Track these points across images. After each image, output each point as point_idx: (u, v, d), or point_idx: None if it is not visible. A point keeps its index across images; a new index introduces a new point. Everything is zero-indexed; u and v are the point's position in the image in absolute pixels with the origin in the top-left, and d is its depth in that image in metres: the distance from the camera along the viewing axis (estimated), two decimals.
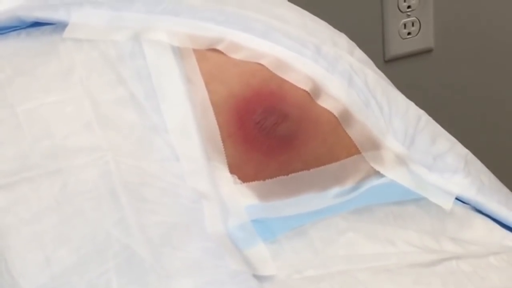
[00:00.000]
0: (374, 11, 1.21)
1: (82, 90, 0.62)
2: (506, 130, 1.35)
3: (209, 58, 0.65)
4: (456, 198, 0.67)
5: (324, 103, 0.65)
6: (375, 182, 0.65)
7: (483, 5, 1.25)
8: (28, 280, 0.54)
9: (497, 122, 1.34)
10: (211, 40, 0.66)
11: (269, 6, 0.71)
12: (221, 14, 0.67)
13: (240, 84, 0.64)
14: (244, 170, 0.62)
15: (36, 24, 0.66)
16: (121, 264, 0.55)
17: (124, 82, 0.63)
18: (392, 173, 0.66)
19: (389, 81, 0.72)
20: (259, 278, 0.57)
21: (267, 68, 0.65)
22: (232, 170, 0.62)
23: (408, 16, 1.22)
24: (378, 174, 0.66)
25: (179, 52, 0.65)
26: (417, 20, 1.23)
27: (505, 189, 0.70)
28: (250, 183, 0.62)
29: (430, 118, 0.70)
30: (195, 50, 0.65)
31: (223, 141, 0.62)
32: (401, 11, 1.21)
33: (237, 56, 0.65)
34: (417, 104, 0.71)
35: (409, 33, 1.23)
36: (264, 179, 0.63)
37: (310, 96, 0.65)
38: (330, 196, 0.64)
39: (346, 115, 0.66)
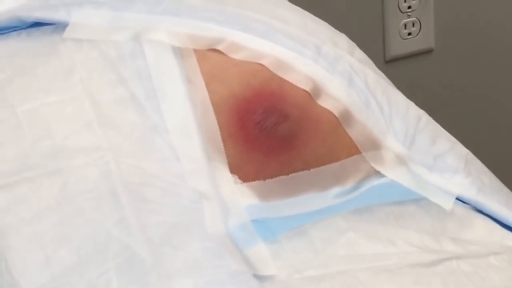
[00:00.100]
0: (374, 11, 1.21)
1: (83, 90, 0.62)
2: (506, 130, 1.35)
3: (209, 58, 0.65)
4: (457, 198, 0.67)
5: (324, 103, 0.66)
6: (375, 182, 0.65)
7: (483, 5, 1.25)
8: (28, 280, 0.54)
9: (497, 122, 1.34)
10: (212, 40, 0.66)
11: (269, 6, 0.71)
12: (221, 14, 0.67)
13: (240, 84, 0.64)
14: (244, 170, 0.62)
15: (37, 24, 0.66)
16: (122, 264, 0.55)
17: (124, 82, 0.63)
18: (393, 173, 0.66)
19: (389, 81, 0.72)
20: (259, 278, 0.57)
21: (267, 68, 0.65)
22: (233, 170, 0.62)
23: (409, 16, 1.22)
24: (378, 174, 0.66)
25: (179, 52, 0.65)
26: (418, 21, 1.23)
27: (506, 189, 0.70)
28: (251, 183, 0.62)
29: (430, 118, 0.70)
30: (195, 50, 0.65)
31: (224, 141, 0.62)
32: (401, 11, 1.21)
33: (238, 56, 0.65)
34: (417, 104, 0.71)
35: (409, 34, 1.23)
36: (264, 179, 0.63)
37: (311, 96, 0.65)
38: (331, 196, 0.64)
39: (347, 115, 0.66)
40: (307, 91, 0.65)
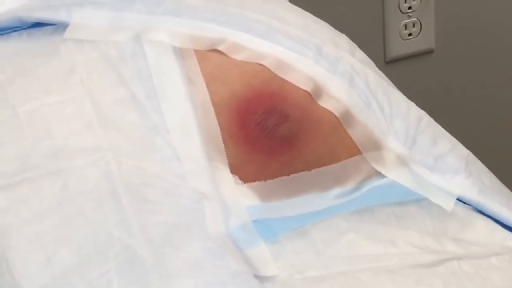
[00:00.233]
0: (375, 12, 1.21)
1: (83, 91, 0.62)
2: (507, 131, 1.35)
3: (210, 58, 0.65)
4: (458, 199, 0.67)
5: (325, 103, 0.66)
6: (376, 182, 0.65)
7: (484, 6, 1.26)
8: (29, 281, 0.54)
9: (498, 122, 1.34)
10: (212, 40, 0.66)
11: (270, 7, 0.71)
12: (222, 14, 0.67)
13: (241, 85, 0.64)
14: (245, 170, 0.62)
15: (37, 24, 0.66)
16: (122, 264, 0.55)
17: (125, 82, 0.63)
18: (393, 174, 0.66)
19: (390, 81, 0.72)
20: (260, 278, 0.57)
21: (268, 69, 0.65)
22: (233, 171, 0.62)
23: (409, 17, 1.22)
24: (379, 174, 0.66)
25: (180, 53, 0.65)
26: (418, 21, 1.23)
27: (506, 190, 0.70)
28: (251, 183, 0.62)
29: (431, 119, 0.70)
30: (196, 51, 0.65)
31: (224, 142, 0.62)
32: (402, 12, 1.21)
33: (238, 56, 0.65)
34: (417, 104, 0.71)
35: (410, 34, 1.23)
36: (265, 180, 0.63)
37: (311, 97, 0.65)
38: (331, 197, 0.64)
39: (347, 116, 0.66)
40: (308, 92, 0.65)
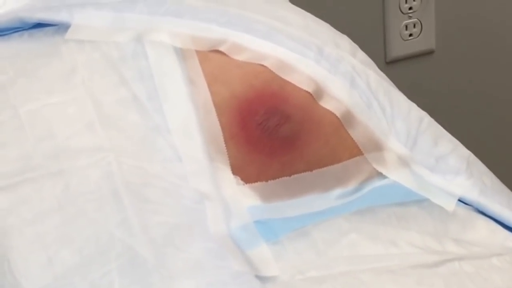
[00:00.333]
0: (375, 12, 1.21)
1: (84, 91, 0.62)
2: (508, 131, 1.35)
3: (211, 59, 0.65)
4: (459, 200, 0.67)
5: (326, 104, 0.66)
6: (377, 183, 0.65)
7: (484, 6, 1.26)
8: (30, 281, 0.54)
9: (498, 123, 1.34)
10: (214, 41, 0.66)
11: (271, 8, 0.71)
12: (223, 15, 0.68)
13: (242, 85, 0.64)
14: (246, 171, 0.63)
15: (39, 25, 0.66)
16: (124, 264, 0.55)
17: (126, 83, 0.63)
18: (395, 174, 0.66)
19: (391, 82, 0.72)
20: (261, 279, 0.57)
21: (269, 70, 0.65)
22: (235, 171, 0.62)
23: (410, 17, 1.22)
24: (380, 175, 0.66)
25: (181, 53, 0.65)
26: (419, 22, 1.23)
27: (507, 191, 0.70)
28: (253, 184, 0.62)
29: (432, 120, 0.70)
30: (197, 51, 0.65)
31: (226, 142, 0.62)
32: (402, 12, 1.21)
33: (240, 57, 0.65)
34: (418, 105, 0.71)
35: (410, 35, 1.23)
36: (266, 180, 0.63)
37: (313, 97, 0.65)
38: (333, 197, 0.64)
39: (349, 116, 0.66)
40: (309, 92, 0.65)
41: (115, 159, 0.59)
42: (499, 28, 1.28)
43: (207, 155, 0.61)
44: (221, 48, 0.66)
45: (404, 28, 1.23)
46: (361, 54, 0.72)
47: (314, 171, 0.64)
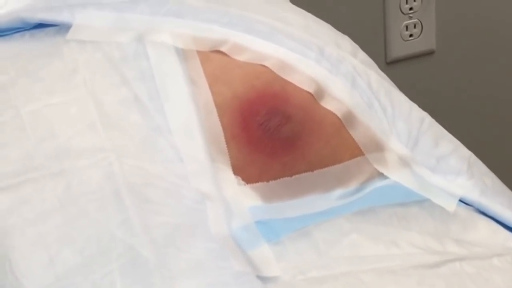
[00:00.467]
0: (376, 12, 1.21)
1: (86, 91, 0.62)
2: (508, 132, 1.35)
3: (212, 59, 0.65)
4: (460, 200, 0.67)
5: (327, 104, 0.66)
6: (378, 183, 0.65)
7: (485, 6, 1.26)
8: (32, 281, 0.54)
9: (499, 123, 1.34)
10: (215, 41, 0.66)
11: (272, 8, 0.71)
12: (224, 16, 0.68)
13: (243, 86, 0.64)
14: (247, 171, 0.63)
15: (40, 25, 0.66)
16: (125, 265, 0.55)
17: (127, 83, 0.63)
18: (396, 175, 0.66)
19: (392, 83, 0.73)
20: (262, 279, 0.57)
21: (270, 70, 0.65)
22: (236, 171, 0.62)
23: (410, 18, 1.22)
24: (381, 175, 0.66)
25: (182, 54, 0.65)
26: (419, 22, 1.23)
27: (508, 191, 0.70)
28: (254, 184, 0.62)
29: (433, 120, 0.70)
30: (198, 52, 0.65)
31: (227, 143, 0.62)
32: (403, 13, 1.21)
33: (241, 57, 0.65)
34: (419, 105, 0.71)
35: (411, 35, 1.23)
36: (267, 181, 0.63)
37: (314, 98, 0.65)
38: (334, 198, 0.64)
39: (350, 117, 0.66)
40: (310, 93, 0.65)
41: (117, 160, 0.59)
42: (499, 28, 1.28)
43: (208, 156, 0.62)
44: (222, 49, 0.66)
45: (405, 28, 1.23)
46: (362, 55, 0.72)
47: (315, 171, 0.64)
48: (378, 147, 0.66)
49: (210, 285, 0.56)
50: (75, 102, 0.62)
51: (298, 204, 0.63)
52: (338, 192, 0.64)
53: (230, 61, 0.65)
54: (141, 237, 0.56)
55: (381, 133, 0.67)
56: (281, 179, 0.63)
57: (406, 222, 0.64)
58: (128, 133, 0.61)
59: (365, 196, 0.64)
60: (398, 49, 1.23)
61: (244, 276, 0.56)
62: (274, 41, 0.67)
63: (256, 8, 0.70)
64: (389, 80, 0.72)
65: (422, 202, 0.66)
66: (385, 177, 0.66)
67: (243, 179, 0.62)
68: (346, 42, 0.72)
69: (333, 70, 0.67)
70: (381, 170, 0.66)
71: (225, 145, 0.62)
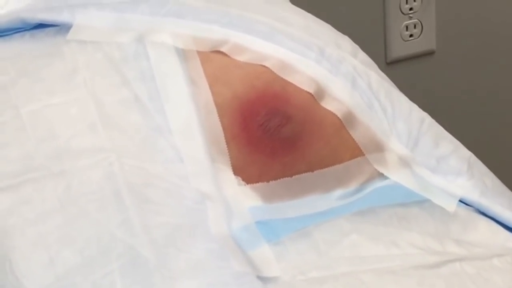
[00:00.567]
0: (376, 13, 1.21)
1: (86, 92, 0.62)
2: (508, 132, 1.35)
3: (213, 60, 0.65)
4: (460, 200, 0.67)
5: (327, 105, 0.66)
6: (378, 184, 0.65)
7: (485, 7, 1.26)
8: (32, 281, 0.54)
9: (499, 124, 1.34)
10: (215, 42, 0.66)
11: (272, 8, 0.72)
12: (225, 16, 0.68)
13: (244, 86, 0.64)
14: (248, 171, 0.63)
15: (40, 25, 0.66)
16: (125, 265, 0.55)
17: (128, 83, 0.63)
18: (396, 175, 0.66)
19: (392, 83, 0.73)
20: (263, 279, 0.57)
21: (271, 70, 0.65)
22: (236, 172, 0.62)
23: (410, 18, 1.22)
24: (381, 176, 0.66)
25: (183, 54, 0.65)
26: (419, 22, 1.23)
27: (508, 192, 0.70)
28: (254, 184, 0.62)
29: (433, 121, 0.71)
30: (199, 52, 0.65)
31: (227, 143, 0.62)
32: (403, 13, 1.21)
33: (241, 58, 0.66)
34: (419, 106, 0.71)
35: (411, 35, 1.23)
36: (268, 181, 0.63)
37: (314, 98, 0.65)
38: (334, 198, 0.64)
39: (350, 117, 0.66)
40: (310, 93, 0.65)
41: (117, 160, 0.59)
42: (499, 29, 1.28)
43: (209, 156, 0.62)
44: (223, 49, 0.66)
45: (405, 28, 1.23)
46: (362, 55, 0.72)
47: (315, 171, 0.64)
48: (378, 147, 0.66)
49: (210, 285, 0.56)
50: (76, 102, 0.62)
51: (298, 204, 0.63)
52: (338, 192, 0.64)
53: (230, 62, 0.65)
54: (141, 237, 0.56)
55: (381, 133, 0.67)
56: (281, 179, 0.63)
57: (406, 223, 0.64)
58: (128, 133, 0.61)
59: (365, 196, 0.64)
60: (398, 49, 1.23)
61: (244, 276, 0.56)
62: (274, 42, 0.67)
63: (256, 9, 0.70)
64: (389, 80, 0.72)
65: (422, 202, 0.66)
66: (385, 178, 0.66)
67: (243, 179, 0.62)
68: (346, 43, 0.72)
69: (333, 71, 0.67)
70: (381, 170, 0.66)
71: (225, 146, 0.62)
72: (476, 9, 1.25)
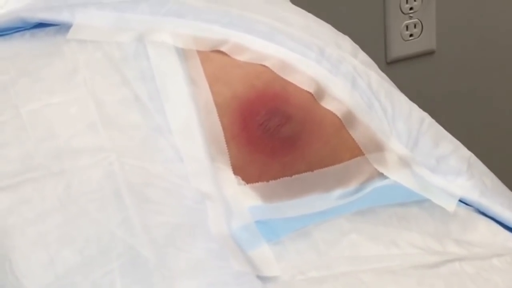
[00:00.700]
0: (376, 12, 1.21)
1: (86, 91, 0.62)
2: (508, 132, 1.35)
3: (213, 59, 0.65)
4: (460, 200, 0.67)
5: (327, 104, 0.66)
6: (378, 183, 0.65)
7: (485, 7, 1.26)
8: (32, 281, 0.54)
9: (499, 124, 1.34)
10: (215, 41, 0.66)
11: (272, 8, 0.72)
12: (225, 16, 0.68)
13: (244, 86, 0.64)
14: (247, 171, 0.63)
15: (40, 25, 0.67)
16: (125, 264, 0.55)
17: (128, 83, 0.63)
18: (396, 175, 0.66)
19: (392, 83, 0.73)
20: (262, 279, 0.57)
21: (271, 70, 0.65)
22: (236, 171, 0.62)
23: (410, 17, 1.22)
24: (381, 175, 0.66)
25: (183, 54, 0.65)
26: (419, 22, 1.23)
27: (508, 192, 0.70)
28: (254, 184, 0.62)
29: (433, 121, 0.71)
30: (199, 52, 0.65)
31: (227, 143, 0.63)
32: (403, 12, 1.22)
33: (241, 57, 0.66)
34: (419, 105, 0.71)
35: (411, 35, 1.23)
36: (267, 180, 0.63)
37: (314, 98, 0.65)
38: (334, 198, 0.64)
39: (350, 117, 0.66)
40: (310, 93, 0.65)
41: (117, 159, 0.59)
42: (499, 29, 1.28)
43: (208, 155, 0.62)
44: (223, 49, 0.66)
45: (405, 28, 1.23)
46: (362, 55, 0.72)
47: (315, 171, 0.64)
48: (378, 147, 0.66)
49: (210, 285, 0.56)
50: (75, 101, 0.62)
51: (298, 204, 0.63)
52: (338, 192, 0.64)
53: (231, 61, 0.65)
54: (141, 237, 0.56)
55: (381, 133, 0.67)
56: (281, 179, 0.63)
57: (406, 222, 0.64)
58: (128, 133, 0.61)
59: (365, 196, 0.64)
60: (398, 49, 1.23)
61: (244, 276, 0.56)
62: (274, 41, 0.67)
63: (256, 8, 0.70)
64: (389, 80, 0.72)
65: (422, 202, 0.66)
66: (385, 177, 0.66)
67: (243, 179, 0.62)
68: (346, 43, 0.72)
69: (333, 70, 0.67)
70: (381, 170, 0.66)
71: (225, 145, 0.62)
72: (476, 9, 1.25)
